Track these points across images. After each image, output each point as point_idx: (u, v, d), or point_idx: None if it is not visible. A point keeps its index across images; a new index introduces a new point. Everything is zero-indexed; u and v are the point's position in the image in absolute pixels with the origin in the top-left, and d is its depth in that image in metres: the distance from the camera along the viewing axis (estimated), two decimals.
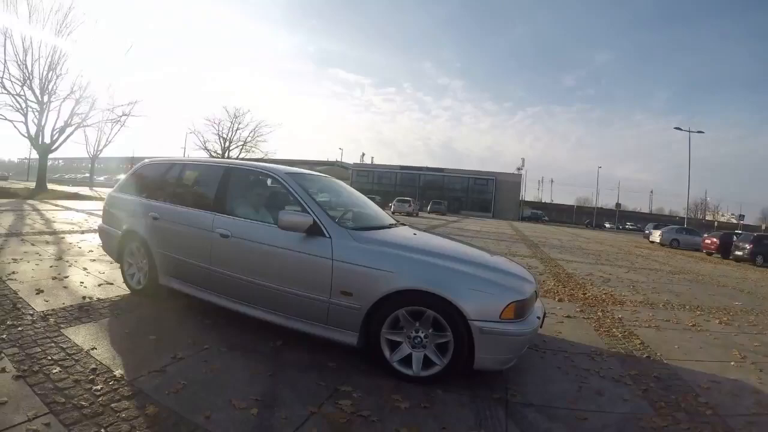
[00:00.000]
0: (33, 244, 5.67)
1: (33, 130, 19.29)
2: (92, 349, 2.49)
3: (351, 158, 74.11)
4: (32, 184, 22.05)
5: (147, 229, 3.64)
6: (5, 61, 17.71)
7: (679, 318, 4.90)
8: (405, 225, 3.76)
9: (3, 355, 2.26)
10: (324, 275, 2.66)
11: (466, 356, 2.42)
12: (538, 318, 2.73)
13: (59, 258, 5.00)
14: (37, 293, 3.47)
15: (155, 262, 3.55)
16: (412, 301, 2.50)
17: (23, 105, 18.52)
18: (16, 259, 4.61)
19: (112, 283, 4.06)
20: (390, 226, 3.48)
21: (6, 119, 18.45)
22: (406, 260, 2.61)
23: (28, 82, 18.22)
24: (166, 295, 3.58)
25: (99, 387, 2.02)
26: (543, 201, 78.82)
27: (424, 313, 2.47)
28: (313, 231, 2.76)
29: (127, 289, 3.85)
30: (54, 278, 4.03)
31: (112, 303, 3.49)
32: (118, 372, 2.21)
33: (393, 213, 29.70)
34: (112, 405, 1.87)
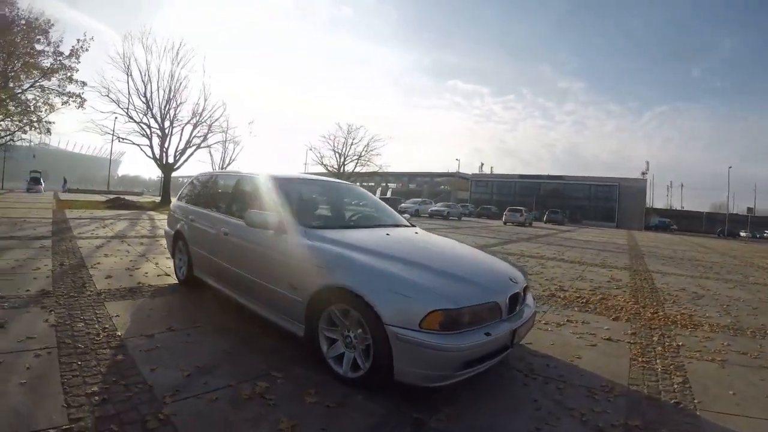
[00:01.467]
0: (129, 244, 7.25)
1: (157, 152, 23.52)
2: (116, 316, 3.37)
3: (471, 169, 78.34)
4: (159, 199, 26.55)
5: (187, 229, 4.59)
6: (129, 94, 22.11)
7: (765, 351, 3.92)
8: (412, 226, 4.06)
9: (53, 312, 3.27)
10: (280, 269, 3.02)
11: (387, 364, 2.34)
12: (488, 335, 2.40)
13: (142, 255, 6.35)
14: (106, 278, 4.63)
15: (191, 256, 4.45)
16: (340, 299, 2.57)
17: (147, 131, 22.79)
18: (107, 254, 6.05)
19: (169, 275, 5.10)
20: (379, 226, 3.77)
21: (134, 143, 22.94)
22: (340, 257, 2.73)
23: (149, 111, 22.45)
24: (200, 284, 4.33)
25: (99, 338, 2.84)
26: (673, 208, 71.12)
27: (350, 312, 2.54)
28: (279, 229, 3.13)
29: (176, 280, 4.83)
30: (127, 269, 5.23)
31: (157, 289, 4.45)
32: (120, 332, 3.02)
33: (505, 223, 30.47)
34: (98, 350, 2.65)
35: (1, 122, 23.50)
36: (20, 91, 21.12)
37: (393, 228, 3.82)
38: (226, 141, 31.92)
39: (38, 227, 8.76)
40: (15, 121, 23.34)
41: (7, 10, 17.89)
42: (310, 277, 2.75)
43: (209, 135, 25.90)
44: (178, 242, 4.82)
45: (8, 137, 25.06)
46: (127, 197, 25.19)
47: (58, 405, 1.99)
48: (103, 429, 1.83)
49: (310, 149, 45.38)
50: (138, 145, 23.46)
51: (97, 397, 2.06)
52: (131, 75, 22.50)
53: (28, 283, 4.16)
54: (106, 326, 3.09)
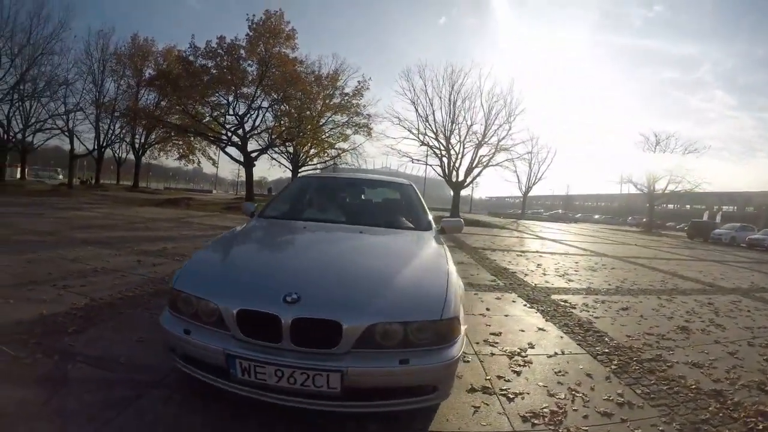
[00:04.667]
0: None
1: (447, 171, 28.40)
2: None
3: None
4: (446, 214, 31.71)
5: None
6: (417, 120, 28.41)
7: None
8: (426, 231, 3.90)
9: (174, 261, 7.38)
10: None
11: None
12: (186, 332, 2.30)
13: None
14: None
15: None
16: None
17: (439, 152, 27.91)
18: None
19: None
20: (349, 223, 3.89)
21: (426, 164, 28.69)
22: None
23: (435, 134, 28.29)
24: None
25: (171, 275, 6.52)
26: None
27: None
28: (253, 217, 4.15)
29: None
30: None
31: None
32: None
33: None
34: (160, 280, 6.31)
35: (313, 151, 33.07)
36: (321, 125, 29.99)
37: (374, 228, 3.76)
38: (531, 161, 34.26)
39: None
40: (325, 148, 32.44)
41: (295, 67, 26.68)
42: None
43: (496, 154, 28.98)
44: None
45: (331, 161, 34.63)
46: None
47: (106, 286, 5.51)
48: (105, 294, 5.19)
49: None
50: (430, 165, 29.44)
51: (122, 284, 5.62)
52: (416, 104, 28.51)
53: (187, 246, 8.47)
54: None
